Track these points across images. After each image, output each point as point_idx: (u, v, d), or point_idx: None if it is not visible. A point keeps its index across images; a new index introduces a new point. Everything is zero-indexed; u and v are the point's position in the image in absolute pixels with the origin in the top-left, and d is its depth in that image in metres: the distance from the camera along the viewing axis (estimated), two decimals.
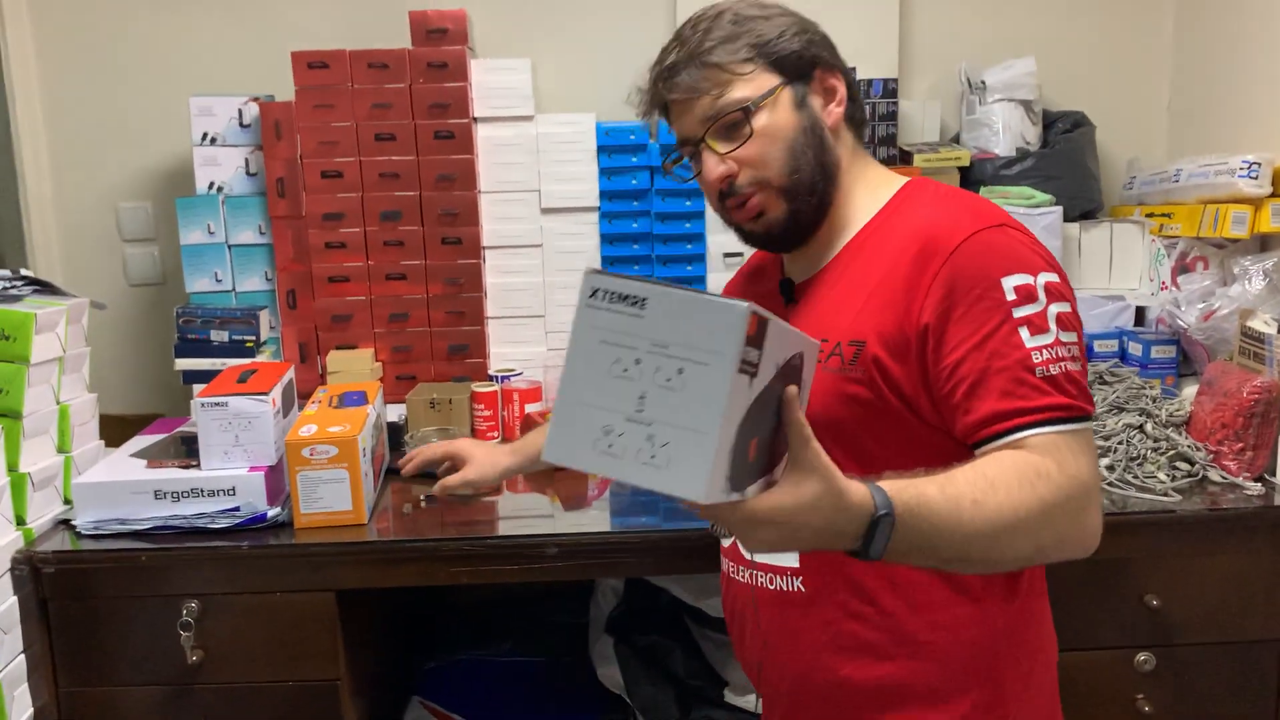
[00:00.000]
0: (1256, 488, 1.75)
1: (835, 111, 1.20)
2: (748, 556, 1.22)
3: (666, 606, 1.95)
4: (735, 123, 1.15)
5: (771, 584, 1.19)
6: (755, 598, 1.22)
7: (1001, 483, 0.97)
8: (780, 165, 1.15)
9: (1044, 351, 1.04)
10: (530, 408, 2.15)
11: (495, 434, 2.15)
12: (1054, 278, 1.07)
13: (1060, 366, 1.04)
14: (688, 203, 2.24)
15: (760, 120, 1.15)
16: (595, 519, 1.75)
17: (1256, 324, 1.90)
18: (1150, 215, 2.25)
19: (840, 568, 1.15)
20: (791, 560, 1.18)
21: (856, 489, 0.88)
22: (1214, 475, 1.80)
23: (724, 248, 2.27)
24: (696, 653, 1.92)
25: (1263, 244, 2.07)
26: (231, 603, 1.68)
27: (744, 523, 0.84)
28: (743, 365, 0.75)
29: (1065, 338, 1.05)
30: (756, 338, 0.77)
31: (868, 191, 1.21)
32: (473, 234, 2.24)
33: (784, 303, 1.26)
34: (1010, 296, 1.04)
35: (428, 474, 1.76)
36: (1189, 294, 2.10)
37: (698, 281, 2.28)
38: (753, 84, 1.15)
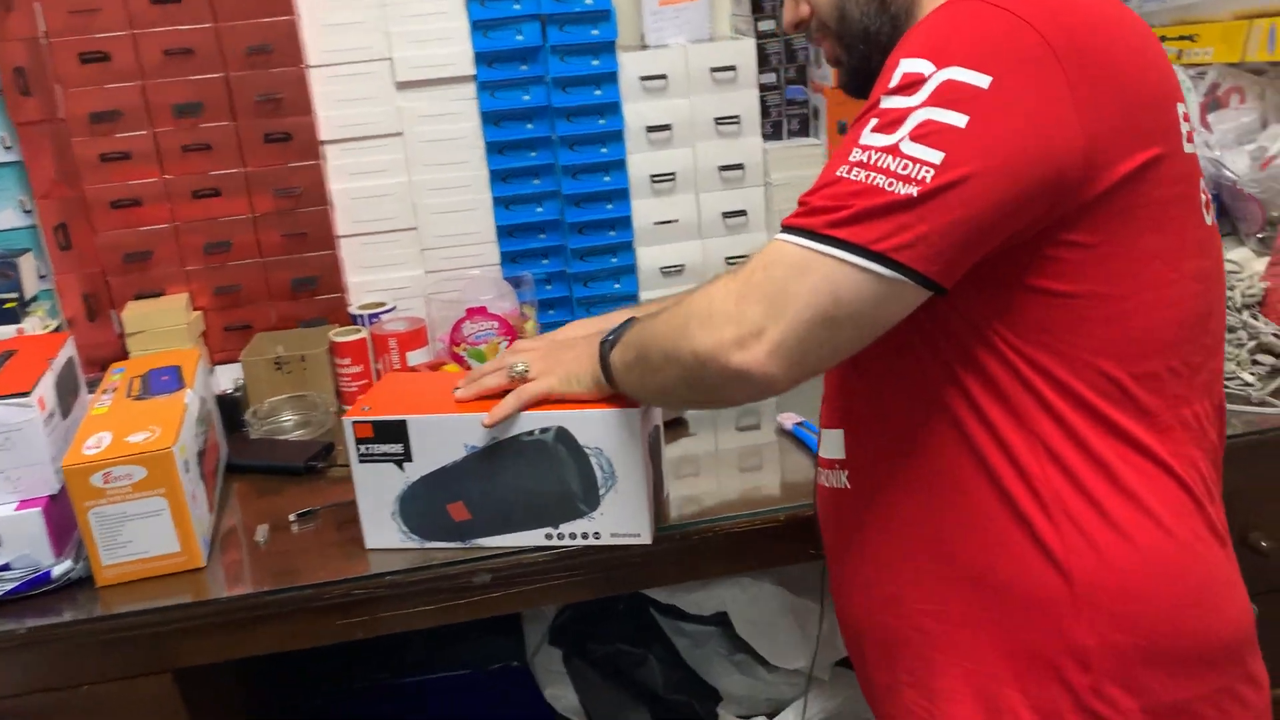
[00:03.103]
0: None
1: None
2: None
3: (629, 606, 1.50)
4: None
5: (825, 480, 1.06)
6: (818, 500, 1.10)
7: (685, 296, 0.95)
8: (828, 7, 1.02)
9: (863, 153, 0.82)
10: (413, 356, 1.62)
11: None
12: (968, 78, 0.81)
13: (862, 175, 0.81)
14: (594, 61, 1.70)
15: None
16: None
17: None
18: (1164, 40, 1.81)
19: (878, 460, 0.98)
20: (838, 450, 1.03)
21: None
22: None
23: (645, 119, 1.74)
24: (676, 660, 1.49)
25: None
26: (21, 710, 1.14)
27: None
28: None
29: (910, 150, 0.81)
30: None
31: None
32: (305, 125, 1.65)
33: None
34: (893, 82, 0.83)
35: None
36: (1224, 135, 1.70)
37: (618, 171, 1.75)
38: None
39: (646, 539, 1.16)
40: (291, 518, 1.29)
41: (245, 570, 1.20)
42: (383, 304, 1.70)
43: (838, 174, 0.82)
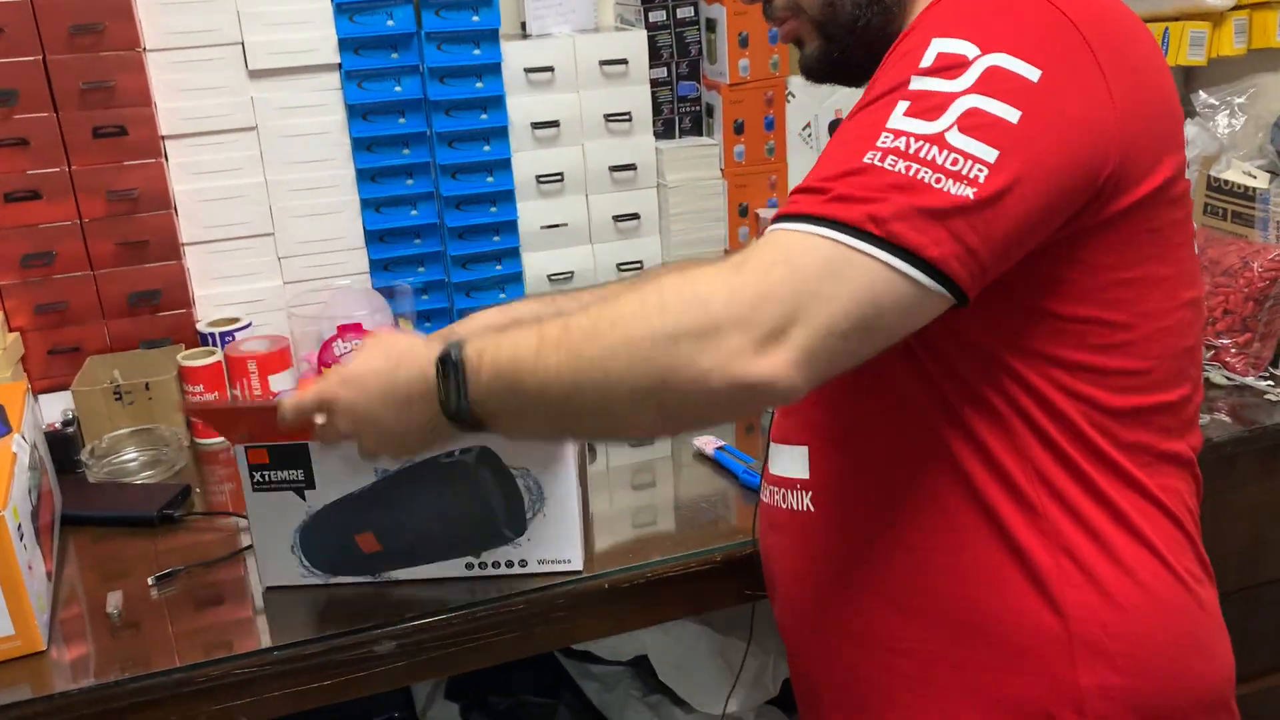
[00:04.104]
0: (1274, 389, 1.39)
1: None
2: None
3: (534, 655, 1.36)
4: None
5: (779, 500, 0.95)
6: (770, 520, 0.98)
7: (614, 293, 0.79)
8: None
9: (898, 139, 0.72)
10: (276, 380, 1.43)
11: None
12: (1017, 67, 0.73)
13: (902, 166, 0.71)
14: (475, 51, 1.54)
15: None
16: (455, 586, 1.08)
17: (1233, 175, 1.50)
18: None
19: (849, 481, 0.90)
20: (800, 468, 0.92)
21: (436, 340, 0.84)
22: (1217, 377, 1.42)
23: (531, 115, 1.60)
24: (587, 708, 1.36)
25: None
26: None
27: (316, 395, 0.87)
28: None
29: (958, 141, 0.71)
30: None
31: None
32: (143, 118, 1.44)
33: None
34: (925, 61, 0.74)
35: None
36: None
37: (502, 171, 1.60)
38: None
39: (578, 564, 1.05)
40: (150, 581, 1.10)
41: (94, 653, 1.01)
42: (237, 320, 1.50)
43: (866, 160, 0.71)
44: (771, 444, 0.96)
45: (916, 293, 0.71)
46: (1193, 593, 0.85)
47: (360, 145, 1.55)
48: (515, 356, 0.77)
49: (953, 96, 0.72)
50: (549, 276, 1.66)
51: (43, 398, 1.46)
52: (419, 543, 1.04)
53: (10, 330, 1.44)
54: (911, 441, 0.84)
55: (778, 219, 0.75)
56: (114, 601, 1.06)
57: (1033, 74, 0.72)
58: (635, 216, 1.68)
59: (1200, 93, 1.58)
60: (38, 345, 1.46)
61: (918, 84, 0.73)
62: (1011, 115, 0.71)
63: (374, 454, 0.88)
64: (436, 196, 1.60)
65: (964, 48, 0.73)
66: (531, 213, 1.63)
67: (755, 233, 1.75)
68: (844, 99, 1.76)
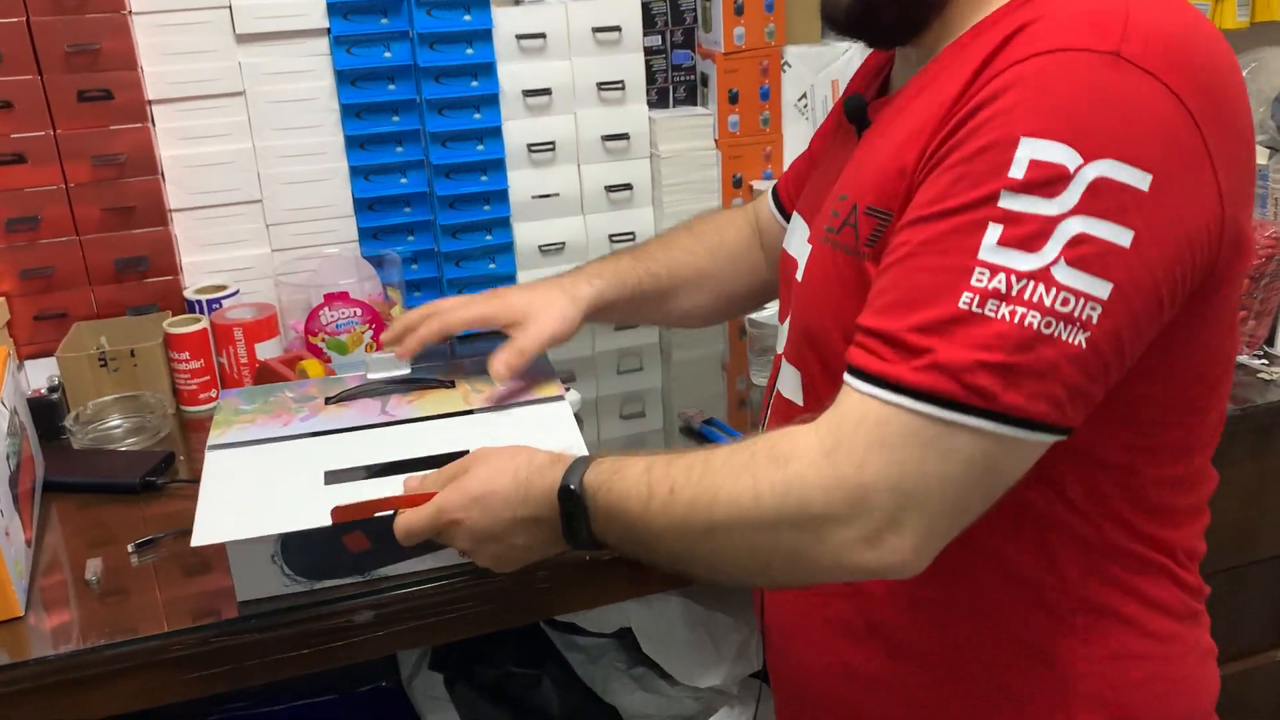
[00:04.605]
0: (1268, 368, 1.38)
1: None
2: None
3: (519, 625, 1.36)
4: None
5: None
6: None
7: (712, 458, 0.74)
8: None
9: (996, 276, 0.64)
10: (263, 349, 1.42)
11: (213, 393, 1.41)
12: (1125, 176, 0.64)
13: (1006, 312, 0.64)
14: (466, 16, 1.52)
15: None
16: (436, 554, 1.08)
17: None
18: None
19: None
20: None
21: (557, 459, 0.84)
22: None
23: (523, 82, 1.58)
24: (572, 680, 1.36)
25: None
26: None
27: (436, 516, 0.86)
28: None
29: (1067, 278, 0.64)
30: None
31: None
32: (129, 82, 1.42)
33: (855, 134, 0.88)
34: (1014, 171, 0.64)
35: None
36: None
37: (492, 139, 1.58)
38: None
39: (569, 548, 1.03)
40: (130, 548, 1.09)
41: (75, 619, 1.00)
42: (224, 287, 1.50)
43: (963, 306, 0.64)
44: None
45: (1034, 448, 0.67)
46: (1198, 643, 0.84)
47: (349, 112, 1.54)
48: (625, 507, 0.77)
49: (1055, 221, 0.63)
50: (540, 247, 1.65)
51: (30, 363, 1.45)
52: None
53: None
54: None
55: (862, 372, 0.68)
56: (93, 569, 1.06)
57: (1143, 181, 0.64)
58: (628, 187, 1.66)
59: None
60: (24, 310, 1.45)
61: (1010, 202, 0.64)
62: (1123, 238, 0.64)
63: (486, 565, 0.89)
64: (426, 164, 1.58)
65: (1062, 155, 0.64)
66: (522, 182, 1.61)
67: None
68: (841, 70, 1.74)
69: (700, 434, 1.27)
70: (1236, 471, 1.36)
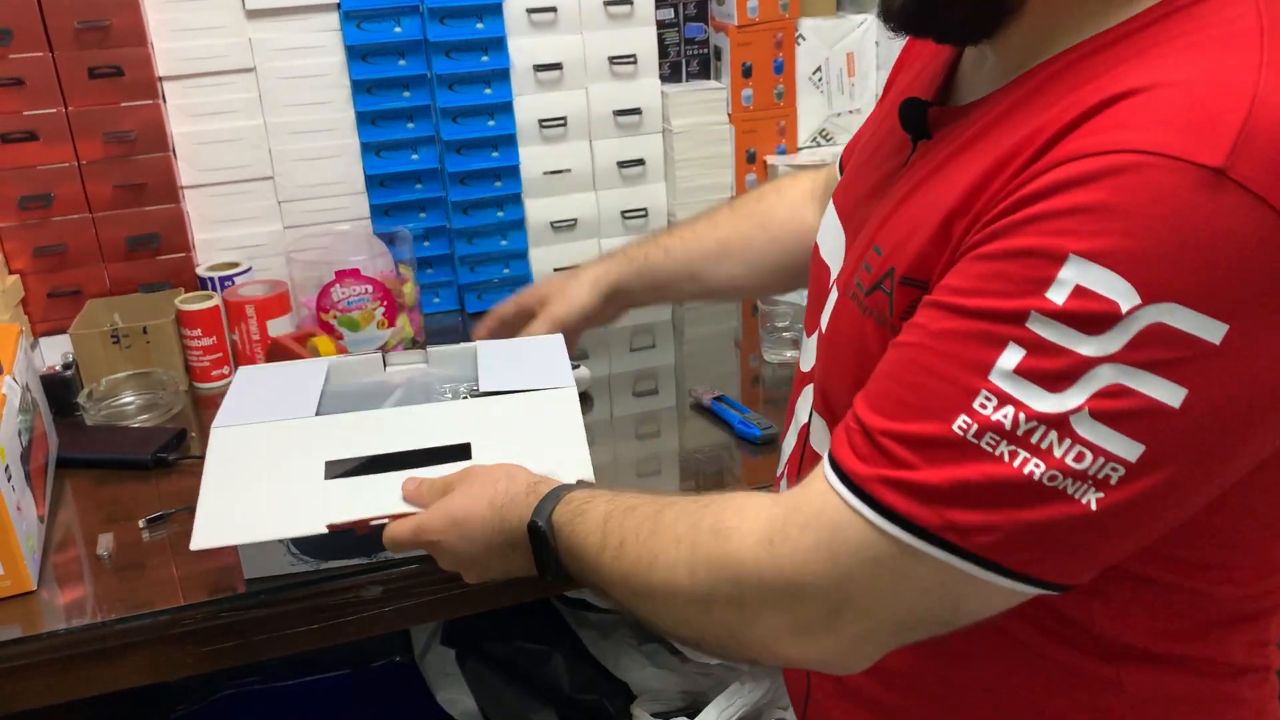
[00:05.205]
0: None
1: None
2: None
3: (531, 601, 1.36)
4: None
5: None
6: None
7: (666, 526, 0.69)
8: None
9: (1003, 409, 0.54)
10: (275, 325, 1.42)
11: (225, 370, 1.41)
12: (1192, 326, 0.52)
13: (1005, 452, 0.54)
14: None
15: None
16: None
17: None
18: None
19: None
20: None
21: (533, 488, 0.82)
22: None
23: (533, 57, 1.57)
24: (583, 655, 1.36)
25: None
26: None
27: (417, 534, 0.87)
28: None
29: (1090, 434, 0.53)
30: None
31: None
32: (140, 58, 1.42)
33: (910, 142, 0.74)
34: (1054, 294, 0.53)
35: None
36: None
37: (503, 115, 1.57)
38: None
39: None
40: (141, 524, 1.10)
41: (87, 594, 1.01)
42: (237, 264, 1.50)
43: (957, 430, 0.55)
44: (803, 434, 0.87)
45: (1006, 593, 0.58)
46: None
47: (360, 88, 1.53)
48: (584, 550, 0.74)
49: (1089, 364, 0.52)
50: (551, 223, 1.64)
51: (44, 340, 1.46)
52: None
53: (10, 273, 1.44)
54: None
55: (833, 464, 0.61)
56: (104, 544, 1.07)
57: (1215, 333, 0.51)
58: (640, 163, 1.65)
59: None
60: (38, 288, 1.46)
61: (1041, 328, 0.53)
62: (1173, 397, 0.52)
63: (471, 582, 0.89)
64: (438, 140, 1.58)
65: (1117, 290, 0.51)
66: (534, 158, 1.60)
67: (763, 181, 1.72)
68: (856, 42, 1.72)
69: (710, 410, 1.26)
70: None
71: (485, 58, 1.54)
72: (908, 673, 0.74)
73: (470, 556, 0.86)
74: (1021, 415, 0.54)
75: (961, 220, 0.61)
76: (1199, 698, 0.71)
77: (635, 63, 1.61)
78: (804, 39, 1.70)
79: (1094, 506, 0.54)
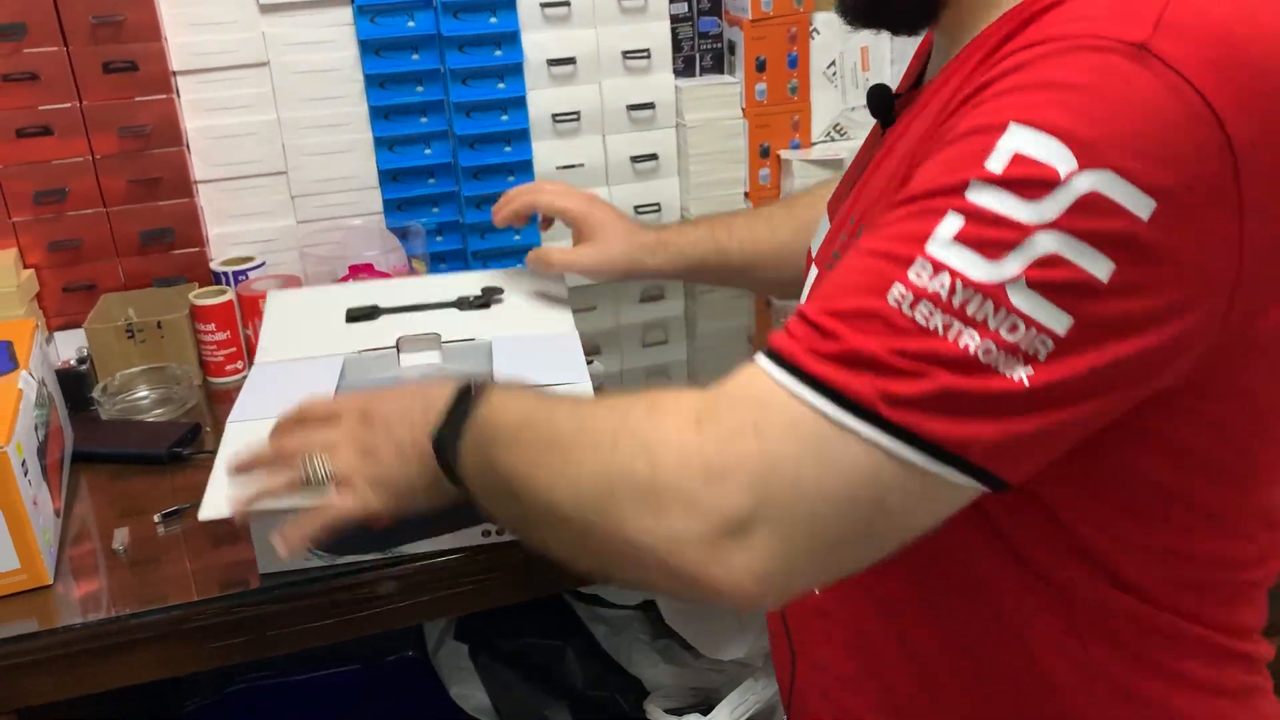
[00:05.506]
0: None
1: None
2: None
3: (544, 597, 1.36)
4: None
5: None
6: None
7: (602, 400, 0.70)
8: None
9: (938, 278, 0.53)
10: None
11: (239, 364, 1.42)
12: (1124, 198, 0.52)
13: (940, 324, 0.53)
14: None
15: None
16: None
17: None
18: None
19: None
20: None
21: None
22: None
23: (547, 52, 1.57)
24: (595, 651, 1.37)
25: None
26: None
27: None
28: None
29: (1023, 303, 0.52)
30: None
31: None
32: (154, 53, 1.42)
33: (880, 127, 0.80)
34: (993, 162, 0.53)
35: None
36: None
37: (517, 110, 1.57)
38: None
39: None
40: (156, 518, 1.10)
41: (102, 588, 1.02)
42: (250, 259, 1.50)
43: (891, 301, 0.54)
44: None
45: (943, 489, 0.55)
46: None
47: (373, 82, 1.53)
48: (496, 428, 0.68)
49: (1027, 230, 0.52)
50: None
51: (59, 335, 1.46)
52: (435, 514, 1.00)
53: (25, 267, 1.44)
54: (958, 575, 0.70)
55: (768, 348, 0.59)
56: (120, 538, 1.07)
57: (1143, 207, 0.52)
58: (653, 157, 1.65)
59: None
60: (53, 282, 1.46)
61: (979, 196, 0.53)
62: (1102, 270, 0.52)
63: (345, 461, 0.79)
64: (451, 135, 1.58)
65: (1056, 154, 0.52)
66: (547, 153, 1.60)
67: (777, 176, 1.72)
68: (870, 37, 1.71)
69: None
70: None
71: (499, 52, 1.54)
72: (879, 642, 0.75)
73: (380, 414, 0.78)
74: (958, 283, 0.53)
75: (911, 168, 0.62)
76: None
77: (649, 57, 1.61)
78: (818, 33, 1.69)
79: (1025, 383, 0.53)
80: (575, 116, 1.60)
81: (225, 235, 1.54)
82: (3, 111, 1.38)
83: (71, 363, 1.36)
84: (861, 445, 0.54)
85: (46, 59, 1.38)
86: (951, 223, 0.54)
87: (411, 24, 1.51)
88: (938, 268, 0.54)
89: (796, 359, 0.56)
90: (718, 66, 1.72)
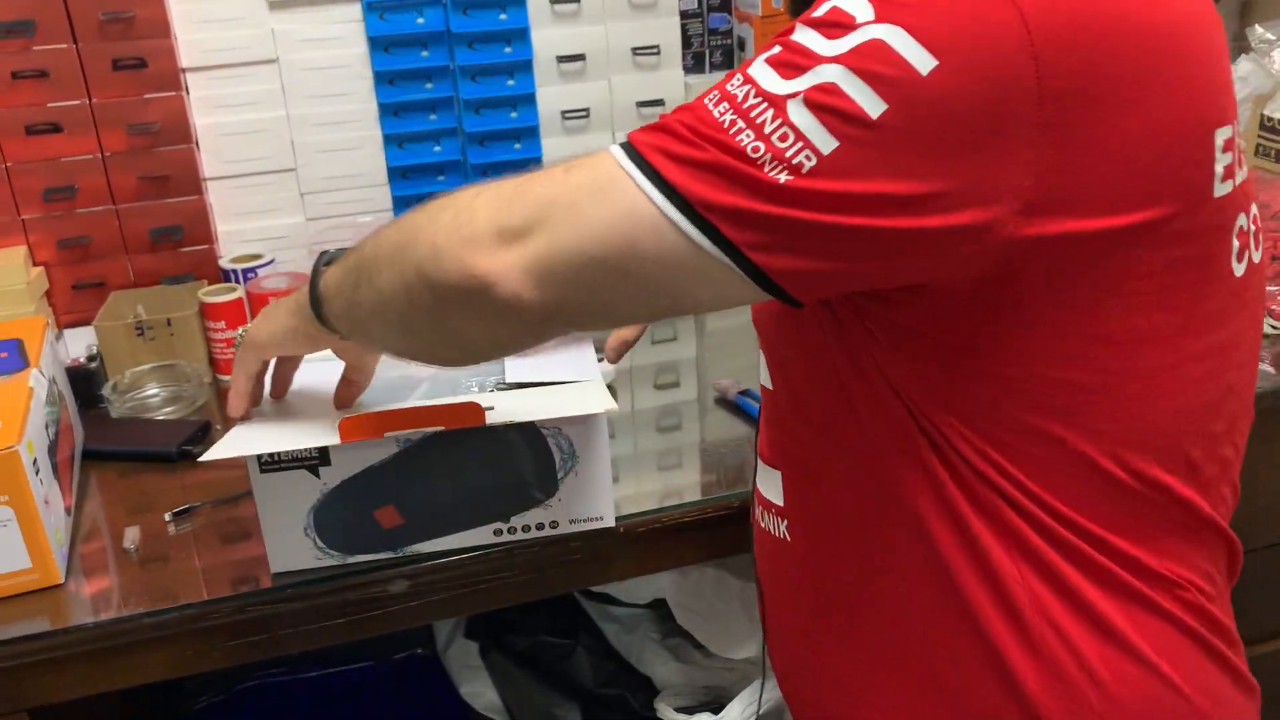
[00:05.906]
0: None
1: None
2: None
3: (554, 596, 1.36)
4: None
5: (763, 520, 0.89)
6: (759, 541, 0.92)
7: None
8: None
9: (744, 86, 0.63)
10: None
11: None
12: (905, 48, 0.59)
13: (728, 117, 0.63)
14: None
15: None
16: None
17: None
18: None
19: (822, 521, 0.82)
20: (776, 494, 0.86)
21: None
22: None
23: (556, 48, 1.56)
24: (606, 650, 1.36)
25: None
26: None
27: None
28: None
29: (798, 117, 0.60)
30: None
31: None
32: (163, 50, 1.42)
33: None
34: (818, 10, 0.63)
35: None
36: None
37: (526, 106, 1.57)
38: None
39: (610, 520, 1.03)
40: (167, 517, 1.10)
41: (113, 586, 1.01)
42: (259, 256, 1.50)
43: (707, 101, 0.64)
44: (758, 460, 0.89)
45: (691, 253, 0.63)
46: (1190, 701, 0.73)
47: (382, 79, 1.53)
48: (345, 258, 0.82)
49: (817, 61, 0.60)
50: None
51: (68, 332, 1.46)
52: (445, 513, 0.99)
53: (35, 265, 1.44)
54: (875, 490, 0.75)
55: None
56: (131, 537, 1.07)
57: (924, 63, 0.58)
58: None
59: (1257, 26, 1.51)
60: (62, 280, 1.46)
61: (799, 34, 0.62)
62: (873, 107, 0.59)
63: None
64: (460, 132, 1.57)
65: (860, 7, 0.60)
66: (556, 149, 1.60)
67: None
68: None
69: (735, 405, 1.26)
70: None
71: (508, 49, 1.53)
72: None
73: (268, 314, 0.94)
74: (751, 91, 0.62)
75: None
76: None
77: (659, 54, 1.60)
78: None
79: (782, 182, 0.60)
80: (585, 113, 1.59)
81: (234, 232, 1.53)
82: (12, 109, 1.38)
83: (81, 360, 1.36)
84: (633, 187, 0.63)
85: (56, 56, 1.38)
86: (771, 51, 0.64)
87: (421, 20, 1.51)
88: (745, 80, 0.63)
89: (630, 138, 0.66)
90: (728, 62, 1.71)
